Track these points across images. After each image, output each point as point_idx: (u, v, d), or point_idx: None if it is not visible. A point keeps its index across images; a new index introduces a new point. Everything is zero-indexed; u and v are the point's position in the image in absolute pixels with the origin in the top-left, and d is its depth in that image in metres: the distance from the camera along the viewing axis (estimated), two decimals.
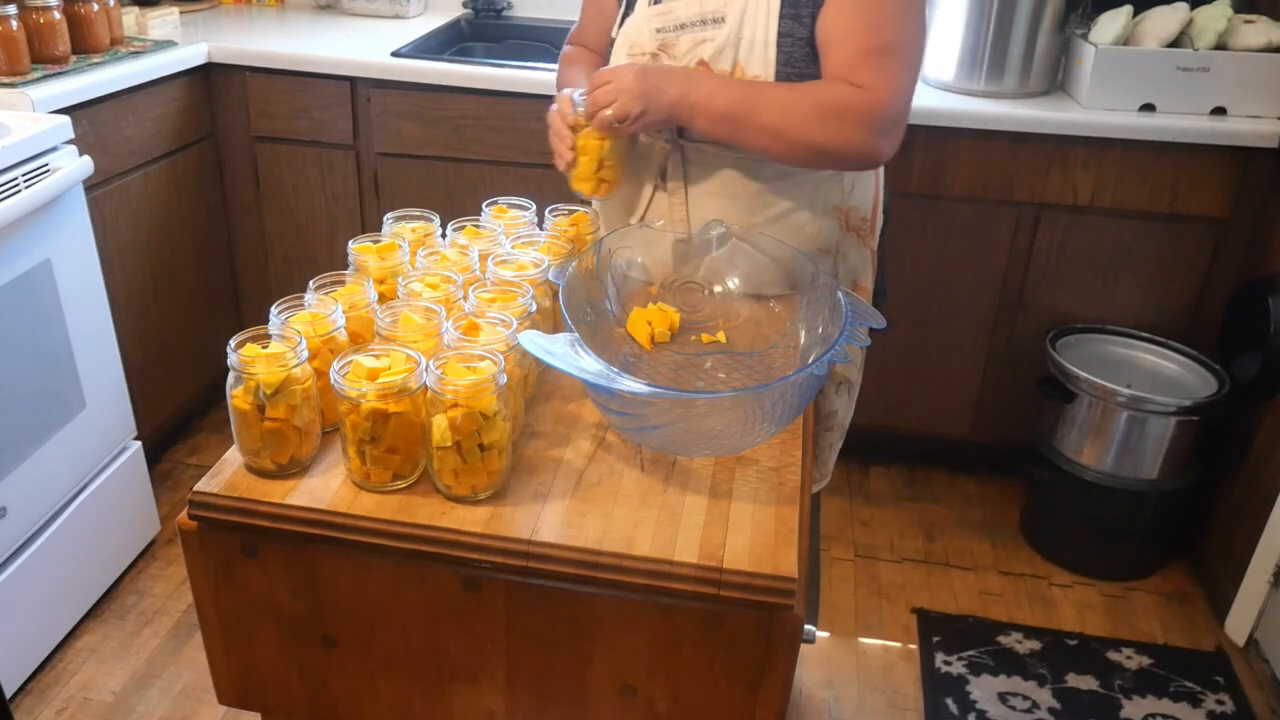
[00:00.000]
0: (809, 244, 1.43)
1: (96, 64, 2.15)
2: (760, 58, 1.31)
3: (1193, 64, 2.15)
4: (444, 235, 1.32)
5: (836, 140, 1.27)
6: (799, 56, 1.31)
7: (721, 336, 1.27)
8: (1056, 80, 2.34)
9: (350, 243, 1.19)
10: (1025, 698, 1.98)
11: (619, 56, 1.41)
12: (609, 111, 1.26)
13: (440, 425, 0.95)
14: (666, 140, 1.41)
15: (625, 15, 1.42)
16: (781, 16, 1.30)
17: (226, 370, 0.98)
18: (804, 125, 1.26)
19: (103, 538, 2.10)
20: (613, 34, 1.45)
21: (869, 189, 1.50)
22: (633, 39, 1.39)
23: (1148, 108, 2.19)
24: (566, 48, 1.60)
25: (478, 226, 1.30)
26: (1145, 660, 2.08)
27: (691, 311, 1.30)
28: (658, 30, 1.36)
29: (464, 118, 2.37)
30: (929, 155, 2.24)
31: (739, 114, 1.27)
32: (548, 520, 0.97)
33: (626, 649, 0.97)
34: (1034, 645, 2.11)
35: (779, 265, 1.27)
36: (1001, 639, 2.12)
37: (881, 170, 1.53)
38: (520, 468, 1.04)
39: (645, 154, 1.44)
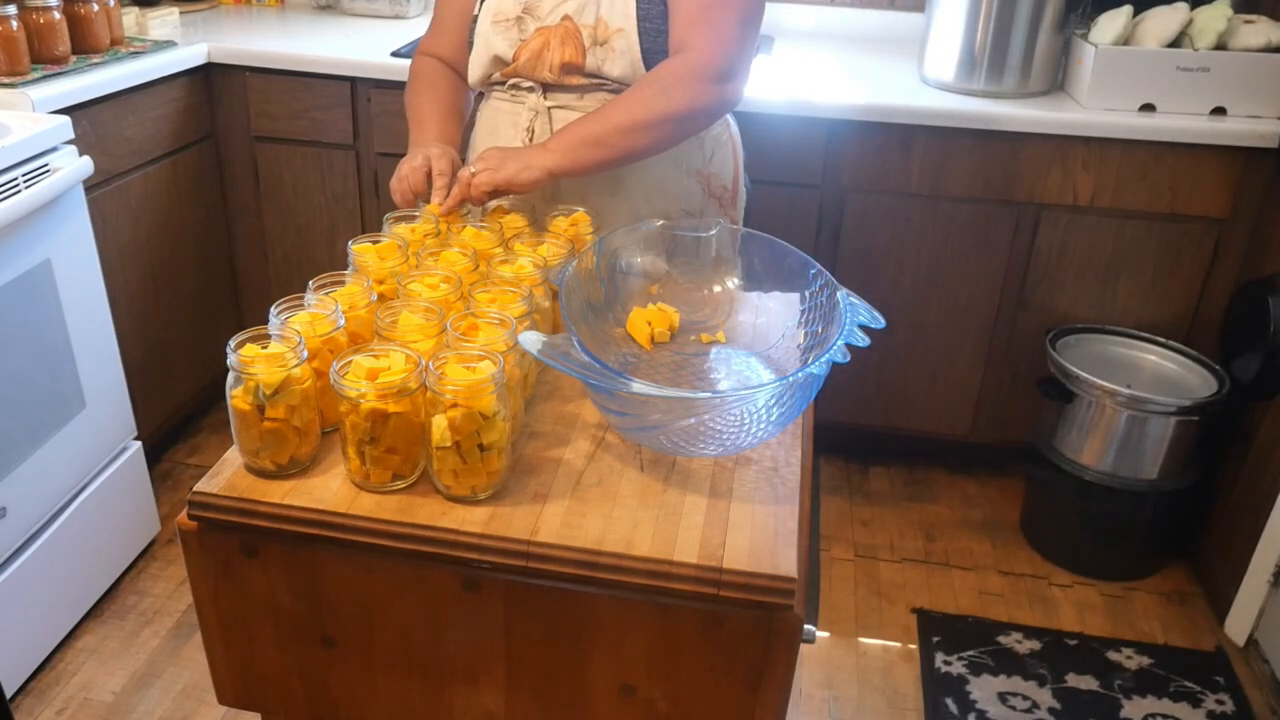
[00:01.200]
0: (673, 204, 1.53)
1: (96, 64, 2.15)
2: (621, 10, 1.40)
3: (1193, 64, 2.15)
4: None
5: (684, 101, 1.36)
6: (655, 13, 1.40)
7: (721, 336, 1.27)
8: (1056, 80, 2.34)
9: (350, 243, 1.19)
10: (1025, 698, 1.98)
11: (483, 26, 1.48)
12: (472, 170, 1.32)
13: (440, 425, 0.95)
14: (534, 105, 1.48)
15: None
16: None
17: (226, 370, 0.98)
18: (653, 105, 1.35)
19: (103, 538, 2.10)
20: (475, 11, 1.51)
21: (727, 159, 1.60)
22: (495, 7, 1.46)
23: (1148, 108, 2.19)
24: (419, 61, 1.63)
25: (478, 227, 1.30)
26: (1145, 660, 2.08)
27: (692, 311, 1.31)
28: None
29: None
30: (929, 155, 2.24)
31: (595, 130, 1.35)
32: (547, 520, 0.97)
33: (626, 649, 0.97)
34: (1034, 645, 2.11)
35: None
36: (1001, 639, 2.12)
37: (739, 145, 1.63)
38: (520, 468, 1.04)
39: (513, 118, 1.51)
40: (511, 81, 1.51)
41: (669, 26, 1.40)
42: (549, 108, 1.48)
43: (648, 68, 1.41)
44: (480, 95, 1.61)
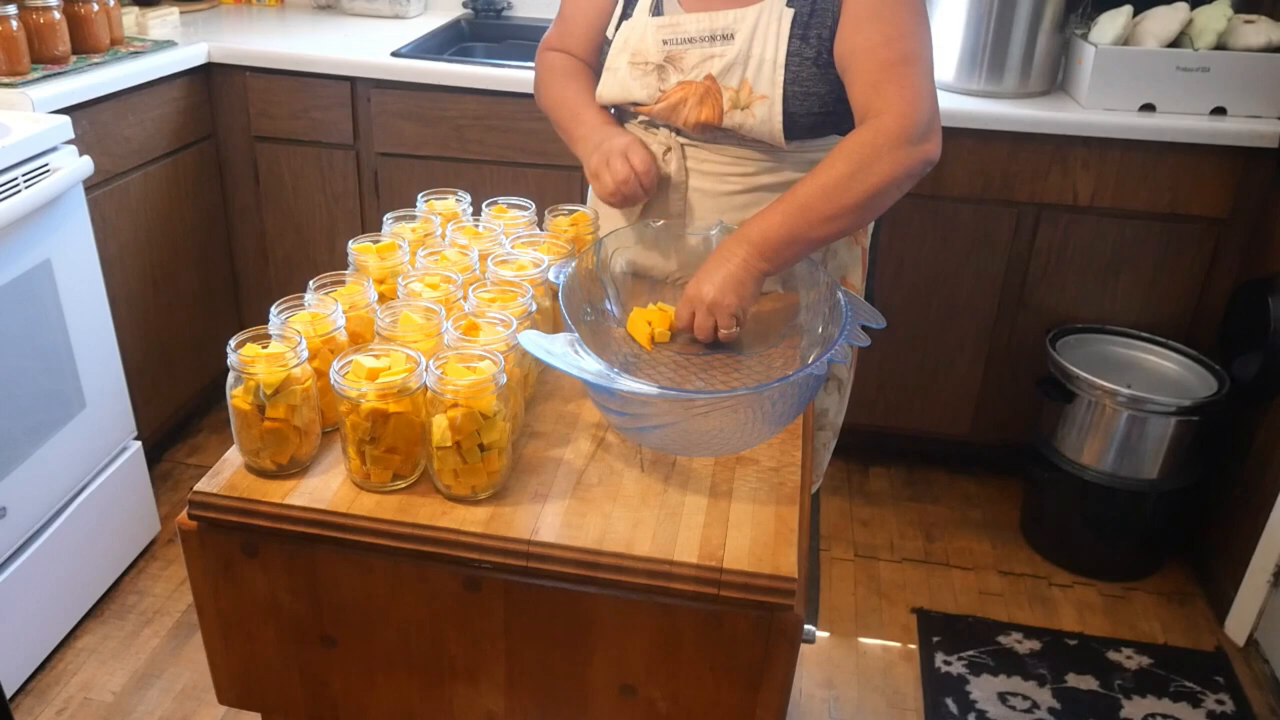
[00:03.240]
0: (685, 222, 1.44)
1: (96, 64, 2.15)
2: (769, 77, 1.32)
3: (1193, 64, 2.15)
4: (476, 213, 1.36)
5: (888, 172, 1.24)
6: (805, 75, 1.32)
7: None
8: (1056, 80, 2.34)
9: (350, 243, 1.19)
10: (1025, 698, 1.98)
11: (618, 61, 1.40)
12: (724, 332, 1.23)
13: (440, 425, 0.95)
14: (666, 140, 1.42)
15: (624, 17, 1.42)
16: (791, 36, 1.31)
17: (226, 370, 0.98)
18: (853, 186, 1.24)
19: (103, 538, 2.10)
20: (609, 33, 1.45)
21: None
22: (635, 47, 1.39)
23: (1148, 108, 2.19)
24: (551, 55, 1.55)
25: (477, 226, 1.30)
26: (1145, 660, 2.08)
27: None
28: (664, 42, 1.36)
29: (464, 118, 2.37)
30: None
31: (800, 227, 1.24)
32: (548, 520, 0.97)
33: (626, 649, 0.97)
34: (1034, 645, 2.11)
35: None
36: (1001, 639, 2.12)
37: None
38: (520, 468, 1.04)
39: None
40: (645, 118, 1.45)
41: (849, 90, 1.31)
42: (682, 144, 1.42)
43: (787, 133, 1.34)
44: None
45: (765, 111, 1.33)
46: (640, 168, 1.37)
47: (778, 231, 1.23)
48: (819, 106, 1.33)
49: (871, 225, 1.57)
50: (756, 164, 1.40)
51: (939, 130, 1.29)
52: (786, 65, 1.31)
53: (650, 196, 1.41)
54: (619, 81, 1.41)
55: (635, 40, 1.39)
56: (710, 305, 1.22)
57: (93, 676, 1.95)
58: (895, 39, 1.27)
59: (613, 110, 1.50)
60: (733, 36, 1.32)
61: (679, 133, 1.41)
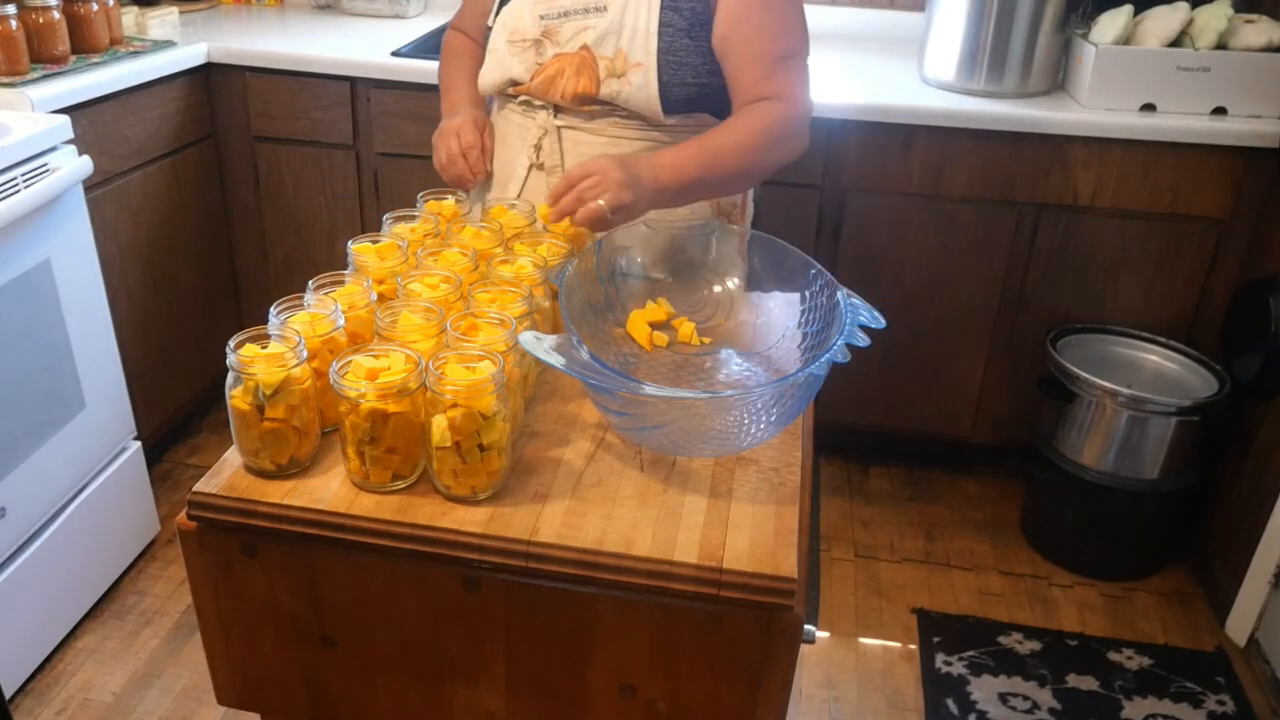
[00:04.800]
0: (682, 222, 1.47)
1: (96, 64, 2.15)
2: (642, 45, 1.37)
3: (1193, 64, 2.15)
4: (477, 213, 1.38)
5: (785, 156, 1.39)
6: (679, 46, 1.37)
7: (695, 339, 1.27)
8: (1057, 80, 2.34)
9: (350, 243, 1.19)
10: (1025, 698, 1.98)
11: (498, 42, 1.45)
12: (601, 202, 1.24)
13: (440, 425, 0.95)
14: (544, 123, 1.46)
15: (502, 3, 1.47)
16: (663, 8, 1.36)
17: (226, 370, 0.98)
18: (760, 157, 1.36)
19: (103, 538, 2.10)
20: (489, 21, 1.49)
21: None
22: (513, 25, 1.44)
23: (1148, 108, 2.19)
24: (449, 33, 1.66)
25: (478, 227, 1.30)
26: (1146, 661, 2.08)
27: (692, 311, 1.30)
28: (541, 17, 1.41)
29: None
30: (929, 155, 2.24)
31: (708, 175, 1.34)
32: (547, 520, 0.97)
33: (626, 649, 0.97)
34: (1034, 645, 2.11)
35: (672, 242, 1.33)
36: (1002, 639, 2.12)
37: None
38: (520, 468, 1.04)
39: (523, 131, 1.49)
40: (524, 99, 1.48)
41: (734, 76, 1.39)
42: (559, 127, 1.45)
43: (664, 102, 1.38)
44: (493, 99, 1.60)
45: (641, 79, 1.37)
46: (463, 145, 1.46)
47: (690, 171, 1.31)
48: (693, 77, 1.39)
49: (750, 214, 1.62)
50: (634, 143, 1.43)
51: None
52: (659, 34, 1.36)
53: (479, 177, 1.48)
54: (499, 62, 1.45)
55: (513, 20, 1.44)
56: (605, 174, 1.24)
57: (92, 677, 1.95)
58: (783, 34, 1.37)
59: (493, 100, 1.56)
60: (605, 8, 1.38)
61: (558, 113, 1.45)
